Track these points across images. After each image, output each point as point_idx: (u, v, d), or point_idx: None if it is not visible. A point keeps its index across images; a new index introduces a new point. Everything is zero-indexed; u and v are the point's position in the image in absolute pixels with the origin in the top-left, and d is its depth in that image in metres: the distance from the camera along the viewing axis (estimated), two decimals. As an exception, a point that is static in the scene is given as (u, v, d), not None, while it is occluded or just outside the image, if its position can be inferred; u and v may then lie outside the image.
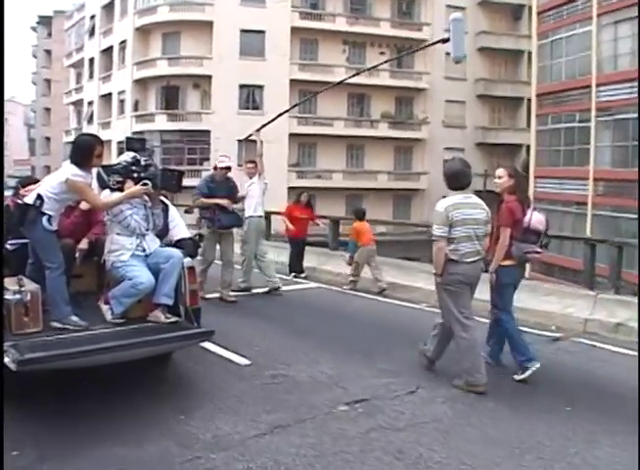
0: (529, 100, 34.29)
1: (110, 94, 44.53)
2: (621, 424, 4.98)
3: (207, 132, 37.44)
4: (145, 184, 5.59)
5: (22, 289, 5.09)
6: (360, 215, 11.71)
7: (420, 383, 5.87)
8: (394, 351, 7.01)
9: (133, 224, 5.59)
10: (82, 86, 50.17)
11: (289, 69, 38.45)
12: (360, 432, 4.72)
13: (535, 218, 6.33)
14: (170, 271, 5.52)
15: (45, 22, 64.10)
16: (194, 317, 5.64)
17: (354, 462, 4.27)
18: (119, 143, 35.49)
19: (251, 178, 10.43)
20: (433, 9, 40.92)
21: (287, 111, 13.08)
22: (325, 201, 32.77)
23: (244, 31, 37.54)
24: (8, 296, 5.00)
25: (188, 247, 6.01)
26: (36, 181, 6.28)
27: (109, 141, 33.66)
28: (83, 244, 6.13)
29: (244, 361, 6.45)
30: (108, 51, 44.69)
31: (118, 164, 5.80)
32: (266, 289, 10.51)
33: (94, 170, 5.59)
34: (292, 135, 38.10)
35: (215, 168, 9.78)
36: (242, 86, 38.17)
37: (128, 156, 5.81)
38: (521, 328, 6.51)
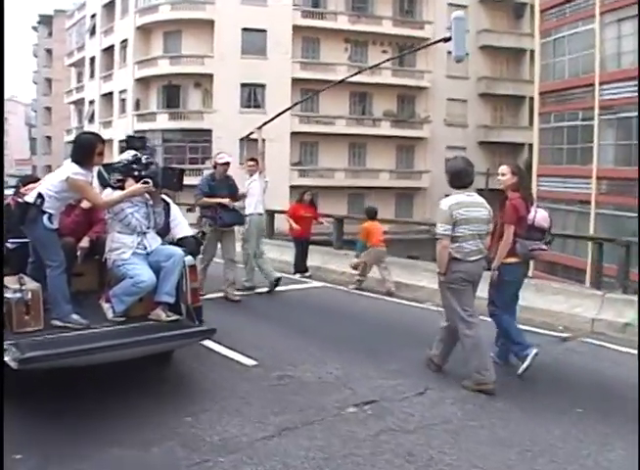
0: (532, 98, 34.22)
1: (111, 93, 44.51)
2: (633, 426, 4.89)
3: (209, 131, 37.39)
4: (146, 182, 5.58)
5: (23, 287, 5.08)
6: (372, 215, 11.44)
7: (428, 384, 5.81)
8: (401, 351, 6.94)
9: (134, 222, 5.57)
10: (83, 85, 50.14)
11: (291, 67, 38.37)
12: (370, 434, 4.65)
13: (540, 215, 6.33)
14: (171, 269, 5.49)
15: (46, 21, 64.11)
16: (195, 315, 5.62)
17: (364, 465, 4.19)
18: (121, 142, 35.35)
19: (251, 176, 10.40)
20: (434, 7, 40.83)
21: (287, 109, 13.06)
22: (327, 199, 32.66)
23: (245, 30, 37.51)
24: (9, 294, 4.99)
25: (190, 245, 6.01)
26: (37, 180, 6.27)
27: (110, 140, 33.59)
28: (84, 242, 6.09)
29: (249, 362, 6.37)
30: (109, 50, 44.64)
31: (119, 162, 5.78)
32: (267, 289, 10.42)
33: (95, 169, 5.58)
34: (294, 134, 38.06)
35: (215, 166, 9.73)
36: (243, 85, 38.12)
37: (129, 154, 5.79)
38: (527, 328, 6.45)
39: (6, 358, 4.46)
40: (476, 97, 43.52)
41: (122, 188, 5.59)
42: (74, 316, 5.24)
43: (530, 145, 34.99)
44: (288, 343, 7.27)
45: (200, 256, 7.50)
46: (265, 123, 10.70)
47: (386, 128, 41.22)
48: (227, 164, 9.57)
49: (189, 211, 10.05)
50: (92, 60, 47.90)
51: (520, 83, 42.83)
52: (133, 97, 41.01)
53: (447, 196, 5.89)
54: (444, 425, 4.89)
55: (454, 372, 6.00)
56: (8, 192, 6.72)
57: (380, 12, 41.42)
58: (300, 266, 12.42)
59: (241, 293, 9.94)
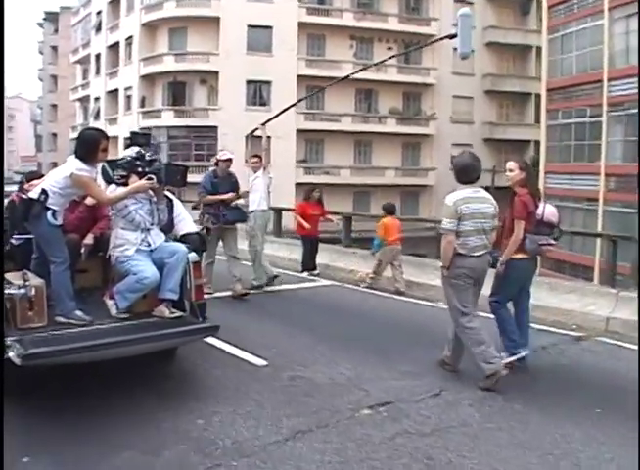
0: (538, 95, 34.05)
1: (116, 90, 44.51)
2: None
3: (215, 128, 37.32)
4: (149, 179, 5.57)
5: (27, 283, 5.07)
6: (392, 210, 11.23)
7: (443, 385, 5.69)
8: (413, 351, 6.82)
9: (138, 219, 5.56)
10: (89, 82, 50.18)
11: (296, 64, 38.24)
12: (386, 437, 4.51)
13: (548, 211, 6.33)
14: (175, 266, 5.47)
15: (51, 18, 64.33)
16: (199, 312, 5.57)
17: (382, 470, 4.07)
18: (126, 139, 35.38)
19: (255, 173, 10.33)
20: (440, 4, 40.64)
21: (291, 106, 12.97)
22: (332, 197, 32.38)
23: (251, 27, 37.46)
24: (13, 290, 4.97)
25: (194, 241, 5.99)
26: (41, 176, 6.27)
27: (116, 137, 33.49)
28: (89, 239, 6.10)
29: (260, 362, 6.25)
30: (114, 47, 44.63)
31: (123, 158, 5.77)
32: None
33: (99, 165, 5.56)
34: (299, 131, 37.97)
35: (217, 163, 9.70)
36: (249, 82, 38.06)
37: (133, 150, 5.80)
38: (540, 327, 6.33)
39: (10, 355, 4.44)
40: (482, 94, 43.35)
41: (126, 184, 5.58)
42: (78, 313, 5.23)
43: (536, 142, 34.84)
44: (297, 342, 7.16)
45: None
46: (269, 120, 10.60)
47: (391, 126, 41.05)
48: (229, 160, 9.57)
49: (194, 208, 9.97)
50: (97, 57, 47.93)
51: (526, 80, 42.63)
52: (139, 94, 41.00)
53: (453, 191, 5.88)
54: (462, 427, 4.76)
55: (469, 373, 5.87)
56: (11, 188, 6.75)
57: (385, 9, 41.30)
58: (309, 264, 12.30)
59: (250, 292, 9.79)
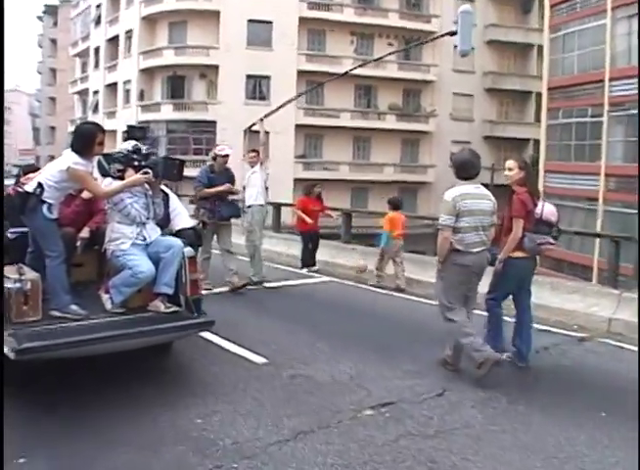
0: (538, 94, 33.96)
1: (115, 83, 44.37)
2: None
3: (214, 123, 37.19)
4: (146, 173, 5.55)
5: (22, 277, 5.04)
6: (398, 204, 11.13)
7: (445, 385, 5.61)
8: (413, 349, 6.76)
9: (133, 213, 5.53)
10: (88, 75, 49.99)
11: (296, 59, 38.11)
12: (389, 439, 4.42)
13: (547, 209, 6.31)
14: (171, 261, 5.45)
15: (51, 10, 64.23)
16: (194, 307, 5.55)
17: (385, 472, 4.00)
18: (124, 132, 35.31)
19: (252, 167, 10.23)
20: (442, 0, 40.46)
21: (290, 101, 12.90)
22: (330, 193, 32.29)
23: (251, 21, 37.28)
24: (8, 284, 4.93)
25: (189, 236, 6.00)
26: (37, 169, 6.25)
27: (114, 131, 33.41)
28: (84, 233, 6.06)
29: (260, 360, 6.17)
30: (114, 40, 44.45)
31: (119, 152, 5.76)
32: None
33: (95, 159, 5.55)
34: (298, 126, 37.87)
35: (215, 158, 9.65)
36: (249, 77, 37.89)
37: (129, 144, 5.79)
38: (541, 327, 6.28)
39: (4, 349, 4.41)
40: (482, 92, 43.31)
41: (122, 178, 5.59)
42: (73, 307, 5.20)
43: (535, 141, 34.75)
44: (297, 339, 7.08)
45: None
46: (268, 115, 10.53)
47: (391, 122, 40.97)
48: (227, 156, 9.54)
49: (192, 203, 9.92)
50: (97, 50, 47.75)
51: (526, 79, 42.61)
52: (137, 87, 40.83)
53: (452, 187, 5.87)
54: (465, 429, 4.68)
55: (471, 372, 5.78)
56: (9, 182, 6.65)
57: (386, 4, 41.15)
58: (308, 261, 12.25)
59: (249, 288, 9.73)
